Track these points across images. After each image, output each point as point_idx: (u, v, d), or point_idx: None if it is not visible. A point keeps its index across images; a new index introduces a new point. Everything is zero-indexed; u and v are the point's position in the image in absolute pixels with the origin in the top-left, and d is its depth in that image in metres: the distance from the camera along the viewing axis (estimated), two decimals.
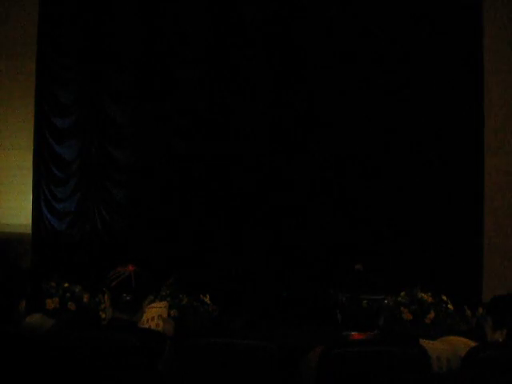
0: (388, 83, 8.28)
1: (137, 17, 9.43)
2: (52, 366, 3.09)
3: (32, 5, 10.14)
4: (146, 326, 4.83)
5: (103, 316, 6.14)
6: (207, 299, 6.66)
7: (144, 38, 9.39)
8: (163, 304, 5.33)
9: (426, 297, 6.25)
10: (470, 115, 8.00)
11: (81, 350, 3.10)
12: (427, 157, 8.17)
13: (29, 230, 10.11)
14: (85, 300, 6.82)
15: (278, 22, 8.75)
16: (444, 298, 6.30)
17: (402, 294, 6.43)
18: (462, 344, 3.70)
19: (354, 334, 3.63)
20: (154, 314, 4.99)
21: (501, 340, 3.46)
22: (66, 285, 7.01)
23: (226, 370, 3.43)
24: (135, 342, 3.12)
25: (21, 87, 10.35)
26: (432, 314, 6.04)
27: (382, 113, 8.30)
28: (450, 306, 6.22)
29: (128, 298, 3.45)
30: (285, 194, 8.66)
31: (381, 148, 8.33)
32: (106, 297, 3.56)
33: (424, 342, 3.66)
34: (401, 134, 8.26)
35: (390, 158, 8.31)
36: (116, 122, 9.67)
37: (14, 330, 3.49)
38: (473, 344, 3.64)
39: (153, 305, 5.19)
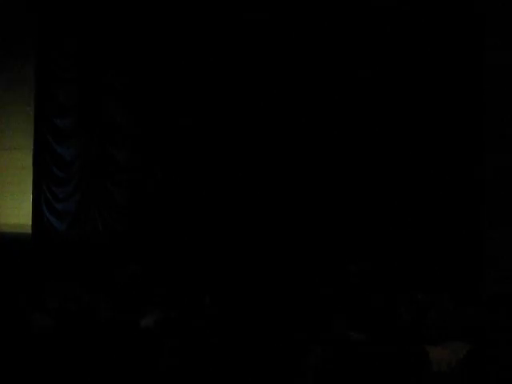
0: (387, 81, 8.27)
1: (137, 17, 9.43)
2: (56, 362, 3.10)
3: (33, 5, 10.15)
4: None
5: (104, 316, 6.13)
6: (207, 299, 6.66)
7: (144, 38, 9.40)
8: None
9: (426, 297, 6.25)
10: (469, 112, 7.97)
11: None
12: (426, 156, 8.16)
13: (29, 230, 10.12)
14: (85, 300, 6.82)
15: (279, 23, 8.75)
16: (444, 297, 6.30)
17: (402, 293, 6.42)
18: (463, 349, 3.70)
19: (355, 334, 3.63)
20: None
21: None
22: (66, 285, 7.01)
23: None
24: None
25: (21, 87, 10.36)
26: (432, 314, 6.04)
27: (380, 111, 8.29)
28: (450, 305, 6.22)
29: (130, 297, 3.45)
30: (283, 194, 8.66)
31: (379, 146, 8.31)
32: (106, 297, 3.57)
33: (425, 347, 3.66)
34: (400, 132, 8.24)
35: (389, 158, 8.30)
36: (116, 122, 9.67)
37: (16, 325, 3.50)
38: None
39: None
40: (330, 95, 8.47)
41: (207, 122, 9.08)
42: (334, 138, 8.50)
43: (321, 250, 8.39)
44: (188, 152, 9.18)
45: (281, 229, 8.66)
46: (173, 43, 9.27)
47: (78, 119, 9.93)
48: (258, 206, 8.76)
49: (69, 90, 9.96)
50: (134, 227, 9.43)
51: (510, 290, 6.93)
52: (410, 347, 3.40)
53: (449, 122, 8.03)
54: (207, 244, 8.87)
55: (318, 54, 8.57)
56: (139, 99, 9.47)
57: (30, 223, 10.14)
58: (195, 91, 9.15)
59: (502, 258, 7.56)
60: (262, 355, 3.55)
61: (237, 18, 8.94)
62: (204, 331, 3.68)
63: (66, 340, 3.24)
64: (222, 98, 9.01)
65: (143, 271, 7.86)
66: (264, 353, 3.57)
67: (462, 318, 4.81)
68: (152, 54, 9.38)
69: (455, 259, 7.89)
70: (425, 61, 8.05)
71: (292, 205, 8.64)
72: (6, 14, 10.20)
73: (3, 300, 4.70)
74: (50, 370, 3.16)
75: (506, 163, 7.65)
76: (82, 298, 6.31)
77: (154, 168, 9.38)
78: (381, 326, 3.87)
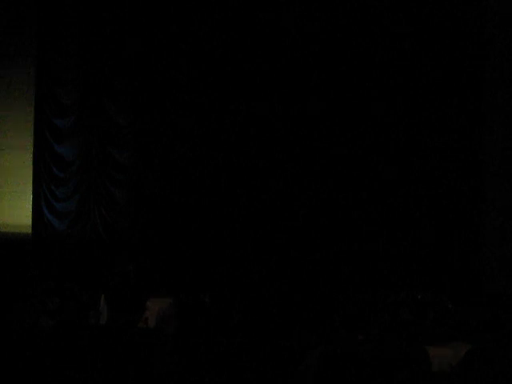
0: (387, 80, 8.27)
1: (137, 17, 9.44)
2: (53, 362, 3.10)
3: (32, 5, 10.15)
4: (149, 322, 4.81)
5: (102, 316, 6.13)
6: (207, 298, 6.65)
7: (144, 38, 9.40)
8: (167, 300, 5.24)
9: (426, 297, 6.25)
10: (469, 112, 7.99)
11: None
12: (426, 156, 8.16)
13: (29, 230, 10.12)
14: (84, 300, 6.81)
15: (280, 23, 8.75)
16: (444, 297, 6.29)
17: (402, 294, 6.42)
18: (463, 348, 3.69)
19: (354, 335, 3.63)
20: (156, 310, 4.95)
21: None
22: (66, 285, 7.01)
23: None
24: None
25: (21, 87, 10.36)
26: (432, 314, 6.03)
27: (378, 111, 8.29)
28: (450, 305, 6.22)
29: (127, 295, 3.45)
30: (283, 195, 8.67)
31: (378, 147, 8.32)
32: (103, 297, 3.57)
33: (427, 347, 3.66)
34: (399, 132, 8.25)
35: (388, 158, 8.30)
36: (116, 122, 9.68)
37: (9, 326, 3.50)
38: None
39: (157, 300, 5.13)
40: (331, 103, 8.49)
41: (207, 123, 9.09)
42: (334, 142, 8.52)
43: (321, 251, 8.40)
44: (187, 152, 9.18)
45: (281, 228, 8.66)
46: (173, 43, 9.28)
47: (77, 119, 9.93)
48: (257, 206, 8.77)
49: (69, 90, 9.96)
50: (133, 227, 9.44)
51: (509, 289, 6.94)
52: (410, 347, 3.40)
53: (450, 123, 8.05)
54: (207, 243, 8.87)
55: (319, 58, 8.59)
56: (139, 99, 9.48)
57: (30, 223, 10.13)
58: (195, 91, 9.15)
59: (502, 258, 7.57)
60: (263, 355, 3.55)
61: (236, 18, 8.94)
62: (204, 330, 3.68)
63: (65, 340, 3.24)
64: (222, 98, 9.01)
65: (142, 271, 7.87)
66: (264, 353, 3.57)
67: (462, 318, 4.81)
68: (152, 54, 9.38)
69: (455, 259, 7.90)
70: (426, 62, 8.08)
71: (292, 204, 8.65)
72: (6, 14, 10.19)
73: (3, 300, 4.70)
74: (50, 370, 3.16)
75: (505, 164, 7.67)
76: (81, 297, 6.31)
77: (153, 168, 9.39)
78: (381, 326, 3.87)
